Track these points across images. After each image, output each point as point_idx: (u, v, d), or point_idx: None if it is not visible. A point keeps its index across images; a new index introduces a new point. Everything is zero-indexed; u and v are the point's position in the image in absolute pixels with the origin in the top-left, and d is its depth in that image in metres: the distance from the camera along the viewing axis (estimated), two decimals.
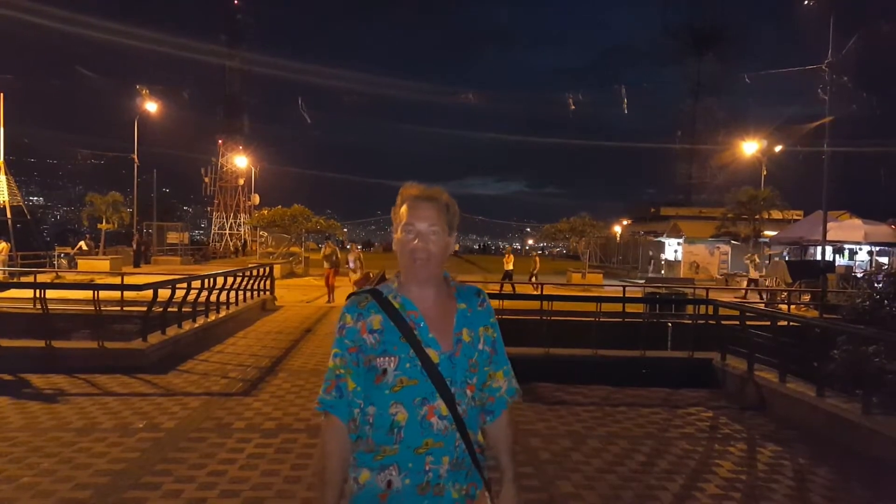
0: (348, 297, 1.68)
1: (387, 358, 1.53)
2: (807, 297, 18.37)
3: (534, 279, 20.81)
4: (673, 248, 33.84)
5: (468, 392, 1.57)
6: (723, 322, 8.73)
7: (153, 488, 4.08)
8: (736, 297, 18.09)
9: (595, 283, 24.00)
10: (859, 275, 19.77)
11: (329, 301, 15.94)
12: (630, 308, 12.44)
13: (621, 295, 14.77)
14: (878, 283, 9.70)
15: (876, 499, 4.41)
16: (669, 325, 12.40)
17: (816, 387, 6.33)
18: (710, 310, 9.27)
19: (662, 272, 27.90)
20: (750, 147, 29.70)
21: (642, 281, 22.04)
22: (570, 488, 4.29)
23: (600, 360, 8.41)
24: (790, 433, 5.97)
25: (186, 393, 6.68)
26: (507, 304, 11.43)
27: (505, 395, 1.68)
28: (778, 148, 30.85)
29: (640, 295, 16.92)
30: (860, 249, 25.08)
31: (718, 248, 27.85)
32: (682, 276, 24.76)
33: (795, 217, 28.84)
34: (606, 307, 10.34)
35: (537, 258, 24.27)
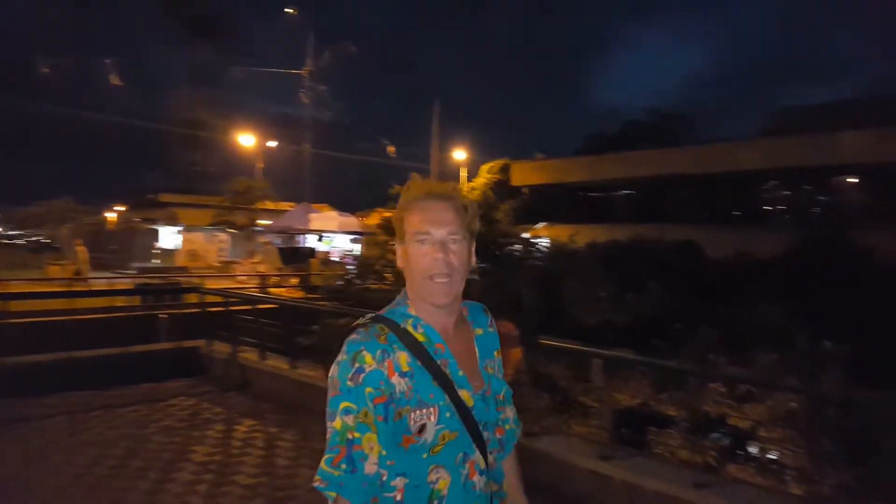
0: (354, 328, 1.21)
1: (424, 410, 1.17)
2: (295, 280, 20.56)
3: None
4: (171, 237, 32.78)
5: (497, 435, 1.29)
6: (211, 309, 8.85)
7: None
8: (237, 284, 18.76)
9: (80, 277, 20.99)
10: (336, 258, 23.37)
11: None
12: (124, 301, 11.48)
13: (108, 288, 13.42)
14: (351, 265, 11.56)
15: None
16: (163, 316, 11.88)
17: (290, 360, 7.05)
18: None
19: (158, 261, 26.69)
20: (247, 140, 31.40)
21: (134, 272, 20.56)
22: None
23: (76, 363, 7.37)
24: (267, 405, 6.48)
25: None
26: None
27: (514, 427, 1.41)
28: (272, 143, 33.61)
29: (130, 287, 15.69)
30: (336, 237, 29.65)
31: (216, 235, 28.38)
32: (179, 264, 24.18)
33: (287, 208, 31.91)
34: (94, 303, 9.39)
35: None
